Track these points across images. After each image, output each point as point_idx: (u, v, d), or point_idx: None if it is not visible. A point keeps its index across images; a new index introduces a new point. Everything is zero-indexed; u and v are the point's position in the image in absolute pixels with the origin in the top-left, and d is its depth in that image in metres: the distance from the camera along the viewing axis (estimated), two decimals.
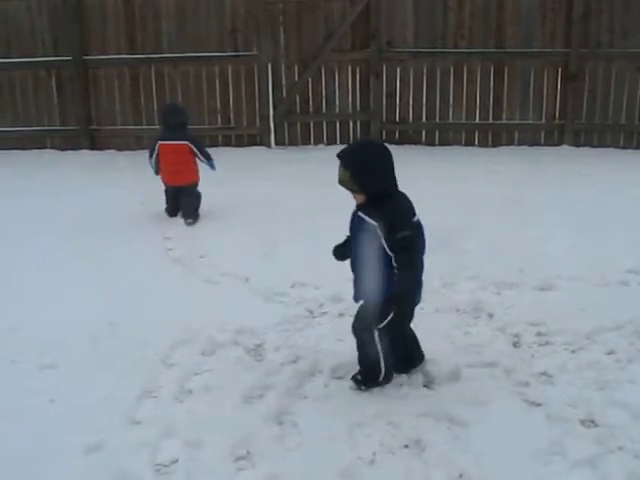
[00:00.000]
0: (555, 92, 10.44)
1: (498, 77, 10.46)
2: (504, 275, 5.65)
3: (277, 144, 10.89)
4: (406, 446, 3.61)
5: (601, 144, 10.44)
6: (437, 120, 10.68)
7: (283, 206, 7.48)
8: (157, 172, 7.60)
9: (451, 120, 10.66)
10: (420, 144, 10.69)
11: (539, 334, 4.74)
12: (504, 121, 10.57)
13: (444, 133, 10.74)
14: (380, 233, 3.82)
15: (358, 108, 10.78)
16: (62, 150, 11.09)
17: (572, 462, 3.45)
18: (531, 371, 4.28)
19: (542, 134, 10.60)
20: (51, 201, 8.30)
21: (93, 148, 11.10)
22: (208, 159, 7.57)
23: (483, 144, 10.64)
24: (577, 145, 10.42)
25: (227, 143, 10.75)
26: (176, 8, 10.65)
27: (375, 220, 3.83)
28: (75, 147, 11.06)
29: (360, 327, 4.11)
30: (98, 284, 5.76)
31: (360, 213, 3.93)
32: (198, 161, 7.60)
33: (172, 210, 7.60)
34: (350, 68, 10.67)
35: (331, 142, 10.79)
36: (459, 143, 10.68)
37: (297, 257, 6.03)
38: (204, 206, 7.59)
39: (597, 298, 5.30)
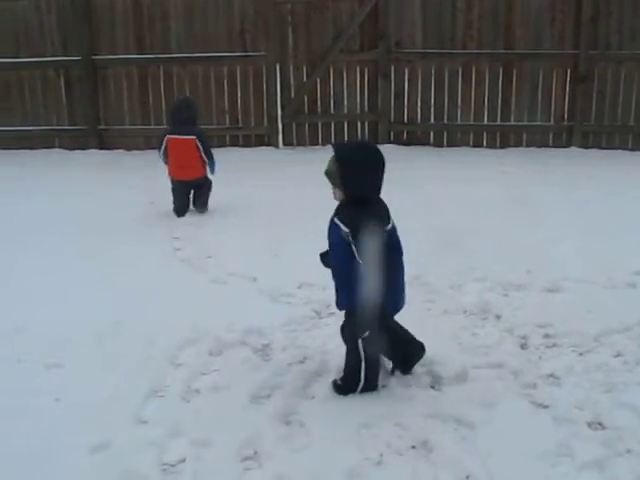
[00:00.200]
0: (564, 93, 10.45)
1: (507, 78, 10.47)
2: (512, 276, 5.64)
3: (285, 144, 10.90)
4: (413, 447, 3.61)
5: (610, 146, 10.44)
6: (445, 121, 10.68)
7: (291, 206, 7.48)
8: (167, 163, 7.69)
9: (459, 121, 10.67)
10: (428, 145, 10.71)
11: (546, 336, 4.73)
12: (512, 122, 10.58)
13: (452, 134, 10.74)
14: (350, 239, 3.80)
15: (366, 109, 10.78)
16: (70, 150, 11.13)
17: (580, 464, 3.44)
18: (538, 373, 4.27)
19: (550, 136, 10.59)
20: (59, 200, 8.33)
21: (101, 148, 11.13)
22: (209, 159, 7.59)
23: (491, 145, 10.65)
24: (585, 147, 10.42)
25: (235, 143, 10.76)
26: (185, 8, 10.68)
27: (347, 226, 3.82)
28: (83, 147, 11.09)
29: (344, 337, 4.11)
30: (105, 283, 5.76)
31: (335, 219, 3.91)
32: (207, 158, 7.64)
33: (180, 209, 7.62)
34: (358, 69, 10.69)
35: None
36: (467, 144, 10.69)
37: (304, 258, 5.99)
38: (212, 205, 7.61)
39: (605, 300, 5.29)
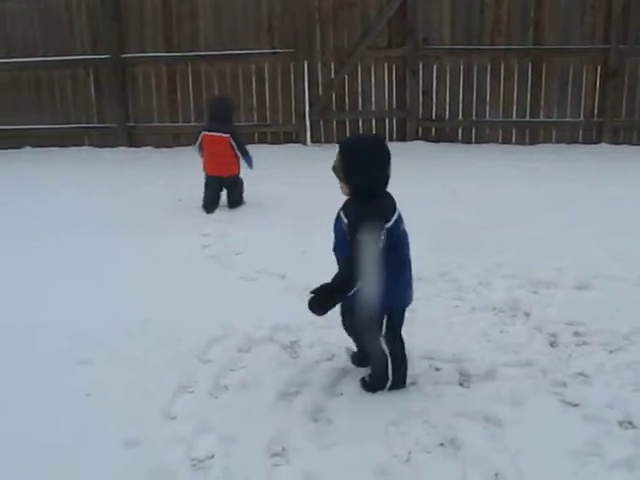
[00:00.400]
0: (594, 89, 10.34)
1: (536, 74, 10.38)
2: (541, 274, 5.60)
3: (313, 141, 10.90)
4: (441, 445, 3.60)
5: None
6: (473, 117, 10.63)
7: (319, 204, 7.43)
8: (202, 157, 7.82)
9: (488, 117, 10.60)
10: (456, 142, 10.66)
11: (576, 334, 4.69)
12: (542, 119, 10.50)
13: (481, 131, 10.68)
14: (347, 230, 3.83)
15: (394, 105, 10.75)
16: (100, 147, 11.21)
17: (609, 463, 3.41)
18: (568, 371, 4.24)
19: (580, 132, 10.50)
20: (87, 197, 8.41)
21: (130, 145, 11.20)
22: (245, 155, 7.67)
23: (520, 142, 10.57)
24: (616, 143, 10.31)
25: (263, 140, 10.78)
26: (213, 6, 10.72)
27: (347, 217, 3.85)
28: (112, 144, 11.17)
29: (364, 338, 4.10)
30: (134, 280, 5.81)
31: (341, 212, 3.93)
32: (242, 155, 7.75)
33: (209, 204, 7.70)
34: (386, 65, 10.66)
35: None
36: (496, 141, 10.62)
37: (333, 255, 6.02)
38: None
39: (635, 298, 5.24)
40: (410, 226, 6.63)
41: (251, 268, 5.99)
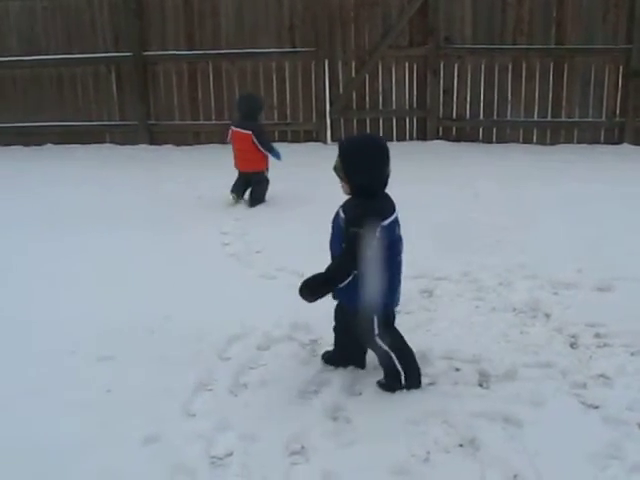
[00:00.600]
0: (616, 89, 10.28)
1: (557, 74, 10.33)
2: (562, 275, 5.57)
3: (333, 140, 10.89)
4: (460, 445, 3.59)
5: None
6: (495, 117, 10.58)
7: (339, 203, 7.46)
8: None
9: (509, 117, 10.56)
10: (477, 141, 10.62)
11: (597, 335, 4.66)
12: (563, 119, 10.44)
13: (502, 130, 10.64)
14: (343, 225, 3.90)
15: (415, 105, 10.73)
16: (121, 145, 11.27)
17: (630, 466, 3.39)
18: (589, 373, 4.21)
19: (602, 132, 10.43)
20: (108, 194, 8.46)
21: (151, 143, 11.25)
22: (269, 150, 7.79)
23: (541, 142, 10.52)
24: (638, 143, 10.24)
25: (283, 139, 10.78)
26: (234, 4, 10.74)
27: (345, 213, 3.93)
28: (133, 142, 11.23)
29: (363, 340, 4.14)
30: (154, 278, 5.83)
31: (340, 209, 4.00)
32: (266, 151, 7.88)
33: (235, 190, 7.92)
34: (407, 64, 10.64)
35: (387, 139, 10.50)
36: (517, 141, 10.57)
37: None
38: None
39: None
40: (430, 226, 6.66)
41: (271, 266, 5.99)
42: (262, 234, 6.83)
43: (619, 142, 10.30)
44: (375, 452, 3.53)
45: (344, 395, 4.04)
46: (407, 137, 10.79)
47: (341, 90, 10.81)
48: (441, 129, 10.72)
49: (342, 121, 10.90)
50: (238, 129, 7.87)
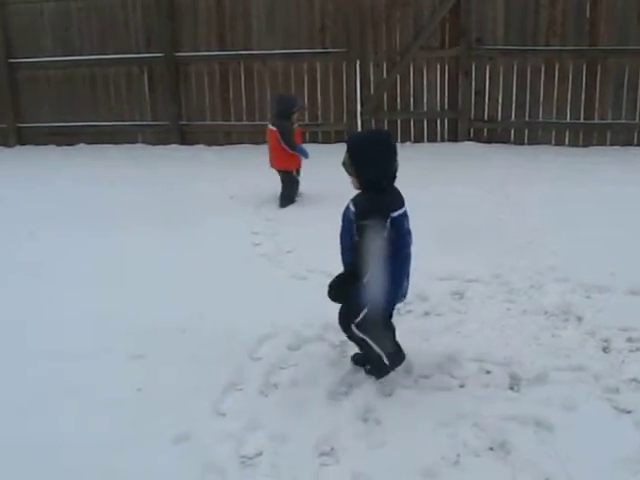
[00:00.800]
0: None
1: (590, 75, 10.22)
2: (594, 278, 5.51)
3: None
4: (491, 448, 3.58)
5: None
6: (526, 119, 10.50)
7: None
8: None
9: (541, 119, 10.47)
10: (508, 143, 10.55)
11: (630, 340, 4.61)
12: (596, 120, 10.33)
13: (533, 132, 10.56)
14: (353, 218, 3.95)
15: (446, 106, 10.69)
16: (153, 145, 11.37)
17: None
18: (621, 377, 4.17)
19: (635, 134, 10.30)
20: (140, 193, 8.51)
21: (182, 143, 11.32)
22: (292, 149, 7.83)
23: (574, 144, 10.42)
24: None
25: (314, 139, 10.79)
26: (266, 5, 10.78)
27: (355, 206, 3.98)
28: (165, 142, 11.31)
29: (340, 325, 4.24)
30: (186, 277, 5.86)
31: (350, 202, 4.05)
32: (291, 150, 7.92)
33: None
34: (439, 66, 10.59)
35: (418, 140, 10.76)
36: (549, 142, 10.49)
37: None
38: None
39: None
40: (461, 227, 6.64)
41: (302, 267, 6.00)
42: (293, 234, 6.84)
43: None
44: (405, 454, 3.53)
45: (374, 396, 4.03)
46: (438, 138, 10.76)
47: (372, 91, 10.80)
48: (472, 130, 10.67)
49: (373, 122, 10.89)
50: (269, 127, 7.98)
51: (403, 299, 4.25)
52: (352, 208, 3.99)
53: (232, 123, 11.24)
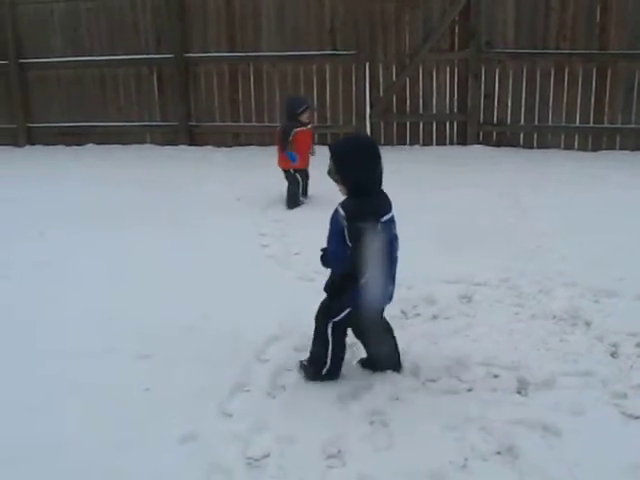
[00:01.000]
0: None
1: (600, 79, 10.20)
2: (603, 283, 5.49)
3: None
4: (498, 453, 3.56)
5: None
6: (536, 122, 10.49)
7: None
8: None
9: (550, 123, 10.45)
10: (517, 147, 10.54)
11: (638, 345, 4.58)
12: (605, 125, 10.31)
13: (542, 136, 10.54)
14: (344, 222, 3.93)
15: (455, 109, 10.68)
16: (161, 145, 11.38)
17: None
18: (629, 383, 4.15)
19: None
20: (148, 194, 8.53)
21: (191, 144, 11.33)
22: (282, 149, 7.94)
23: (583, 148, 10.40)
24: None
25: (323, 141, 10.65)
26: (275, 7, 10.79)
27: (344, 210, 3.97)
28: (174, 142, 11.33)
29: (318, 315, 4.23)
30: (193, 278, 5.86)
31: (339, 207, 4.05)
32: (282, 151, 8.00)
33: None
34: (448, 68, 10.59)
35: (427, 143, 10.76)
36: (558, 146, 10.47)
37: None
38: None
39: None
40: (469, 230, 6.63)
41: (309, 268, 5.97)
42: (301, 236, 6.83)
43: None
44: (412, 457, 3.52)
45: (382, 399, 4.02)
46: (447, 141, 10.75)
47: (381, 93, 10.80)
48: (481, 134, 10.66)
49: (382, 124, 10.89)
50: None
51: (388, 302, 4.24)
52: (342, 213, 3.98)
53: (241, 124, 11.25)
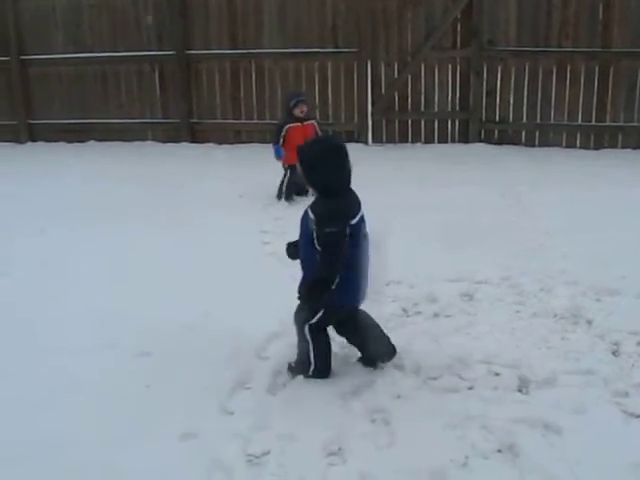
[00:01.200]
0: None
1: (603, 77, 10.19)
2: (604, 281, 5.48)
3: (374, 141, 10.88)
4: (499, 451, 3.55)
5: None
6: (538, 120, 10.48)
7: (377, 204, 7.43)
8: None
9: (552, 121, 10.44)
10: (519, 144, 10.53)
11: None
12: (608, 123, 10.30)
13: (544, 134, 10.53)
14: (313, 226, 3.95)
15: (457, 107, 10.68)
16: (163, 142, 11.39)
17: None
18: (631, 381, 4.14)
19: None
20: (149, 191, 8.52)
21: (192, 141, 11.33)
22: (274, 144, 8.06)
23: (585, 146, 10.39)
24: None
25: None
26: (277, 4, 10.78)
27: (313, 214, 3.98)
28: (175, 140, 11.33)
29: (295, 319, 4.26)
30: (194, 275, 5.85)
31: (308, 209, 4.06)
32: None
33: None
34: (450, 66, 10.58)
35: (429, 141, 10.75)
36: (560, 145, 10.46)
37: (392, 255, 6.00)
38: (301, 200, 7.68)
39: None
40: (471, 228, 6.62)
41: None
42: None
43: None
44: (413, 455, 3.51)
45: (383, 397, 4.01)
46: (449, 139, 10.74)
47: (383, 91, 10.79)
48: (483, 132, 10.65)
49: (384, 122, 10.89)
50: None
51: (362, 301, 4.26)
52: (311, 216, 3.99)
53: (242, 121, 11.25)
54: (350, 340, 4.36)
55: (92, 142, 11.59)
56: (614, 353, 4.50)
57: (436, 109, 10.75)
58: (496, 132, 10.65)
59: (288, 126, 7.96)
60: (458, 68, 10.57)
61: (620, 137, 10.32)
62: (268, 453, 3.59)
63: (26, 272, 6.12)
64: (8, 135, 11.99)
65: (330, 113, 10.96)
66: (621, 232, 6.58)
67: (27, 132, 11.98)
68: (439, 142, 10.73)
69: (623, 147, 10.26)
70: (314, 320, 4.13)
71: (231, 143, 11.18)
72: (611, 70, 10.15)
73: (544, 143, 10.49)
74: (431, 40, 10.43)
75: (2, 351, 4.72)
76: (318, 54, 10.79)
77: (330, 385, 4.13)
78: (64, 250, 6.59)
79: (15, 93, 11.85)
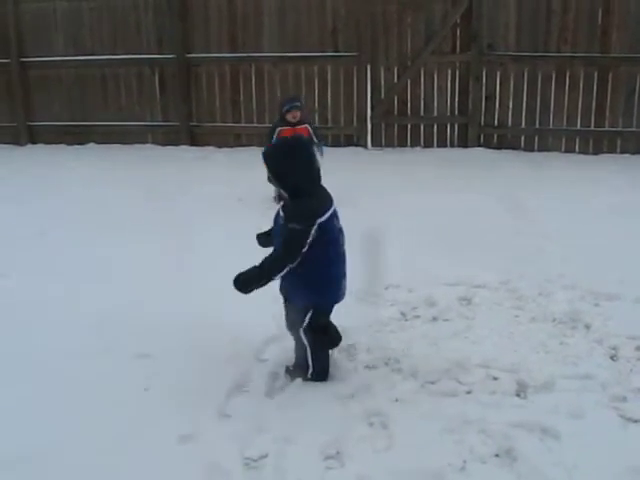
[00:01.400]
0: None
1: (601, 83, 10.18)
2: (603, 286, 5.49)
3: (374, 145, 10.88)
4: (497, 455, 3.57)
5: None
6: (537, 125, 10.47)
7: (377, 208, 7.46)
8: None
9: (551, 126, 10.43)
10: (518, 149, 10.51)
11: (638, 348, 4.59)
12: (606, 128, 10.29)
13: (543, 139, 10.52)
14: (283, 223, 4.03)
15: (456, 111, 10.66)
16: (162, 145, 11.37)
17: None
18: (629, 386, 4.15)
19: None
20: (149, 194, 8.49)
21: (192, 144, 11.32)
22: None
23: (584, 151, 10.39)
24: None
25: (324, 143, 10.78)
26: (277, 7, 10.78)
27: (283, 212, 4.08)
28: (175, 143, 11.32)
29: (288, 326, 4.32)
30: (193, 278, 5.84)
31: (280, 209, 4.15)
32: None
33: None
34: (450, 71, 10.57)
35: (428, 145, 10.74)
36: (558, 149, 10.45)
37: (391, 259, 6.01)
38: None
39: None
40: (470, 233, 6.63)
41: None
42: None
43: None
44: (411, 459, 3.52)
45: (381, 401, 4.02)
46: (448, 144, 10.73)
47: (383, 95, 10.79)
48: (482, 136, 10.64)
49: (383, 126, 10.88)
50: None
51: (343, 298, 4.29)
52: (282, 214, 4.08)
53: (242, 125, 11.24)
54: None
55: (92, 145, 11.58)
56: (612, 358, 4.51)
57: (435, 113, 10.74)
58: (495, 137, 10.64)
59: (279, 129, 7.99)
60: (457, 73, 10.56)
61: (619, 142, 10.32)
62: (266, 456, 3.60)
63: (25, 274, 6.12)
64: (8, 137, 11.98)
65: (329, 117, 10.95)
66: (619, 237, 6.59)
67: (27, 134, 11.97)
68: (438, 146, 10.72)
69: (622, 152, 10.25)
70: (306, 323, 4.16)
71: (231, 146, 11.17)
72: (610, 75, 10.14)
73: (543, 148, 10.48)
74: (431, 45, 10.43)
75: (1, 353, 4.72)
76: (318, 58, 10.78)
77: (328, 388, 4.14)
78: (64, 252, 6.59)
79: (15, 95, 11.84)
